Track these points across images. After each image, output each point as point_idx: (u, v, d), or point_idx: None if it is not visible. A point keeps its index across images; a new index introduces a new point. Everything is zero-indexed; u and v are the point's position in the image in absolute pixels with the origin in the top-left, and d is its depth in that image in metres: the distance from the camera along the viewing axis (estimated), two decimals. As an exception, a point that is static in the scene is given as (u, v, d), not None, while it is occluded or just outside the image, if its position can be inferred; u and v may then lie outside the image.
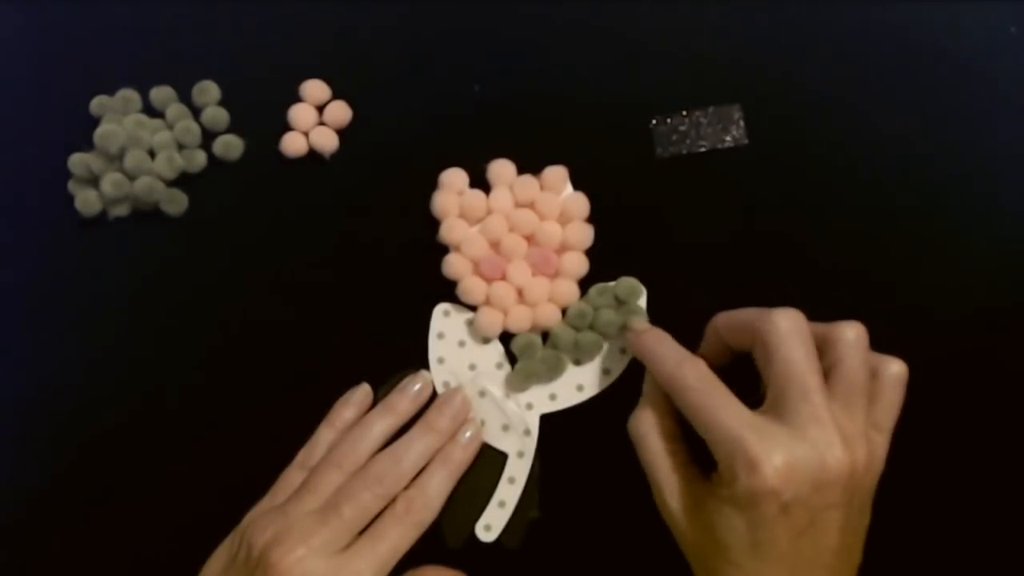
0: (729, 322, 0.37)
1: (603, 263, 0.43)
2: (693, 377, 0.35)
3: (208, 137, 0.45)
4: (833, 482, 0.32)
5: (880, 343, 0.36)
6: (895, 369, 0.36)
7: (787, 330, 0.34)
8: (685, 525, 0.35)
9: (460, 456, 0.40)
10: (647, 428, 0.37)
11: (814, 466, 0.32)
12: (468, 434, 0.40)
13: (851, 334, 0.35)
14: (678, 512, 0.35)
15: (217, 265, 0.45)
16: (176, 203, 0.45)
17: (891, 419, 0.36)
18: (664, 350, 0.37)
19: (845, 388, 0.34)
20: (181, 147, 0.45)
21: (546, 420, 0.42)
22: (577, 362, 0.42)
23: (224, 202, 0.45)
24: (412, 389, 0.42)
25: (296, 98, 0.46)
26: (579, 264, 0.43)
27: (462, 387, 0.42)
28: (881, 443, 0.35)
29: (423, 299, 0.43)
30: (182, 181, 0.45)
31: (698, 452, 0.36)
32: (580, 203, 0.43)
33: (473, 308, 0.43)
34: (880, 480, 0.35)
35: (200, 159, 0.45)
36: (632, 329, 0.40)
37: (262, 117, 0.45)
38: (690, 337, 0.42)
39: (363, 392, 0.42)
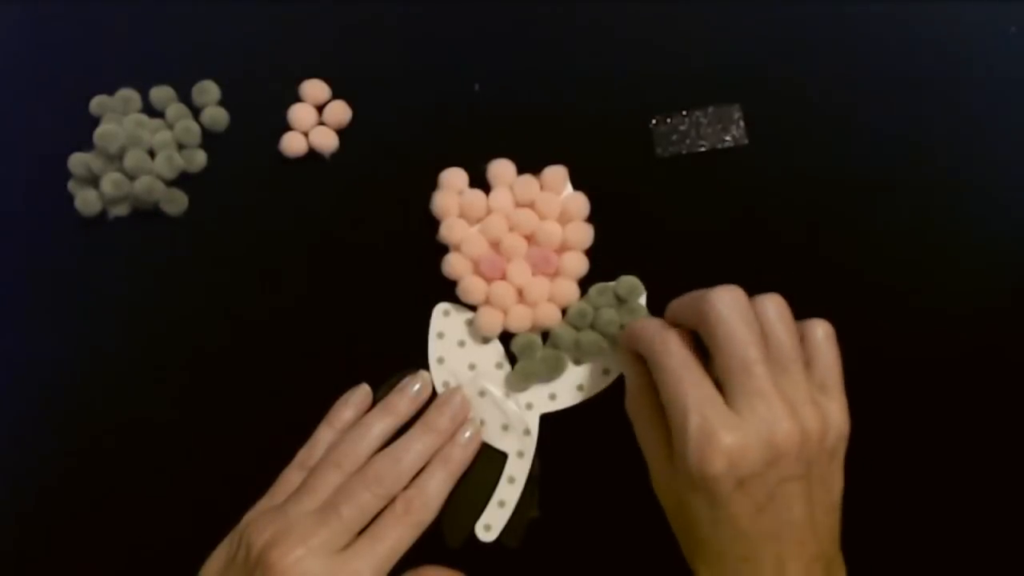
0: (678, 305, 0.38)
1: (603, 263, 0.43)
2: (675, 344, 0.35)
3: (208, 137, 0.46)
4: (784, 454, 0.33)
5: (880, 342, 0.36)
6: (820, 331, 0.36)
7: (726, 306, 0.34)
8: (665, 500, 0.36)
9: (459, 456, 0.40)
10: (633, 408, 0.38)
11: (764, 441, 0.32)
12: (468, 434, 0.40)
13: (772, 309, 0.35)
14: (659, 487, 0.36)
15: (217, 265, 0.45)
16: (176, 203, 0.45)
17: (834, 379, 0.36)
18: (651, 320, 0.38)
19: (778, 357, 0.34)
20: (181, 147, 0.45)
21: (546, 420, 0.42)
22: (577, 362, 0.42)
23: (224, 202, 0.45)
24: (411, 389, 0.42)
25: (296, 98, 0.46)
26: (579, 264, 0.43)
27: (462, 387, 0.42)
28: (832, 406, 0.35)
29: (423, 299, 0.43)
30: (182, 181, 0.45)
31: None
32: (580, 203, 0.43)
33: (473, 308, 0.43)
34: (881, 479, 0.35)
35: (200, 159, 0.45)
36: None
37: (262, 117, 0.45)
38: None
39: (362, 392, 0.42)
